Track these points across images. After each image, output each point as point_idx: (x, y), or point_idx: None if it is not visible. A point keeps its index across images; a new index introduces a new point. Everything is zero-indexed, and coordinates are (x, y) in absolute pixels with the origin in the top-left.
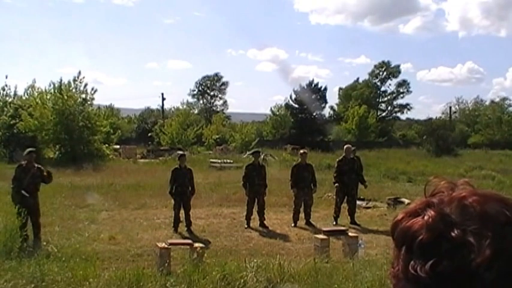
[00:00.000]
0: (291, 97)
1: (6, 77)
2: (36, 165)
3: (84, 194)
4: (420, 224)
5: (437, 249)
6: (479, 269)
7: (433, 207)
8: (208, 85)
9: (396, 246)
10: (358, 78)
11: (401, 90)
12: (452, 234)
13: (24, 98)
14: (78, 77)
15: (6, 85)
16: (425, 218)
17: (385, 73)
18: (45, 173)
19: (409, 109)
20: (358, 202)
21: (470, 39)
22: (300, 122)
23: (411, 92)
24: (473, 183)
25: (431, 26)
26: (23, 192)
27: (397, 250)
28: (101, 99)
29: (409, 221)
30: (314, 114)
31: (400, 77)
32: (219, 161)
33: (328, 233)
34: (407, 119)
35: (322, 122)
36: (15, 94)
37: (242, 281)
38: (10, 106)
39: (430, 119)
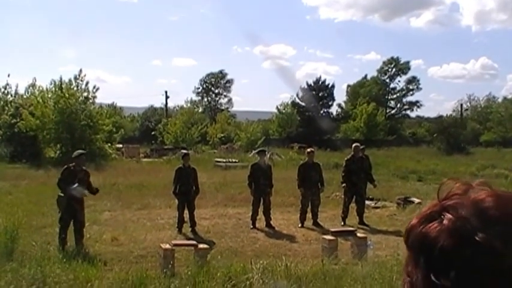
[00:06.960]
0: (297, 95)
1: (8, 76)
2: (84, 168)
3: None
4: (438, 229)
5: (461, 255)
6: (511, 273)
7: (450, 210)
8: (213, 83)
9: (412, 254)
10: (366, 75)
11: (410, 87)
12: (477, 238)
13: (25, 96)
14: (79, 75)
15: (7, 84)
16: (445, 222)
17: (394, 69)
18: (93, 186)
19: (419, 106)
20: (367, 202)
21: (484, 34)
22: (307, 120)
23: (421, 89)
24: (490, 183)
25: (445, 20)
26: (72, 187)
27: (413, 257)
28: (104, 98)
29: (425, 226)
30: (321, 112)
31: (411, 74)
32: (224, 160)
33: (336, 233)
34: (417, 116)
35: (329, 120)
36: (16, 93)
37: (248, 283)
38: (11, 105)
39: (441, 116)
